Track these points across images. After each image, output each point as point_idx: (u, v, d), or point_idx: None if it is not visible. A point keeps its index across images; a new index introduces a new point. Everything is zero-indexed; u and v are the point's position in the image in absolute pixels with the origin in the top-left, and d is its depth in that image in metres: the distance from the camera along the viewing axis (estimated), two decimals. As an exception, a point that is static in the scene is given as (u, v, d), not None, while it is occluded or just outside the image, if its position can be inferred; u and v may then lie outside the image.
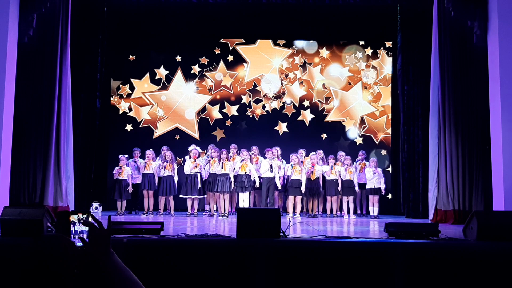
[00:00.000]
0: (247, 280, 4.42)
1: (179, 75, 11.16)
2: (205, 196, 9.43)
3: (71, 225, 1.72)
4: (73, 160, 8.57)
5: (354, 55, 11.28)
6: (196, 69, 11.18)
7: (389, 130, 11.08)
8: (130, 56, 11.13)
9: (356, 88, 11.22)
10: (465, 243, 4.96)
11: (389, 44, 11.18)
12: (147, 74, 11.11)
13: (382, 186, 9.54)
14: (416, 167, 9.51)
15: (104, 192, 10.18)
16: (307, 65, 11.27)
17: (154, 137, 10.97)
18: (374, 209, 9.45)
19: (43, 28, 8.28)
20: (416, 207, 9.40)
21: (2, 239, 4.53)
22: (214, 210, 9.30)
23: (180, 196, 9.40)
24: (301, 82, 11.26)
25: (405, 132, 9.78)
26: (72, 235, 1.71)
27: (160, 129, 11.05)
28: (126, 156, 9.60)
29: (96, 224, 1.65)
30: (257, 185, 9.22)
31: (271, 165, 9.19)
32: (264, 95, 11.20)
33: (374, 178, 9.51)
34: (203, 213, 9.50)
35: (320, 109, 11.18)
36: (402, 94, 9.91)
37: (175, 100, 11.11)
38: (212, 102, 11.17)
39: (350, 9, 10.29)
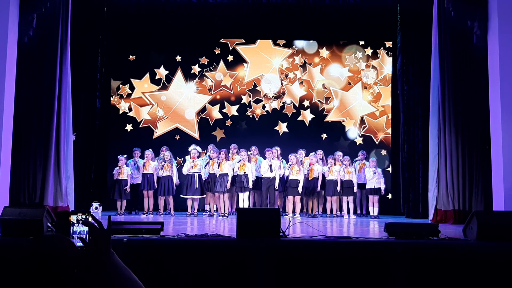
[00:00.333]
0: (247, 280, 4.42)
1: (179, 75, 11.16)
2: (204, 196, 9.44)
3: (71, 226, 1.71)
4: (73, 160, 8.57)
5: (354, 55, 11.28)
6: (196, 69, 11.18)
7: (389, 130, 11.08)
8: (130, 56, 11.13)
9: (356, 88, 11.22)
10: (465, 243, 4.96)
11: (389, 44, 11.18)
12: (147, 74, 11.11)
13: (382, 186, 9.54)
14: (416, 167, 9.51)
15: (104, 192, 10.18)
16: (307, 65, 11.27)
17: (154, 137, 10.97)
18: (374, 209, 9.45)
19: (43, 28, 8.28)
20: (416, 207, 9.40)
21: (2, 239, 4.54)
22: (214, 210, 9.30)
23: (181, 196, 9.40)
24: (301, 82, 11.26)
25: (405, 132, 9.77)
26: (71, 236, 1.71)
27: (160, 129, 11.05)
28: (125, 156, 9.60)
29: (96, 224, 1.65)
30: (251, 185, 9.15)
31: (270, 165, 9.20)
32: (264, 95, 11.20)
33: (374, 178, 9.51)
34: (203, 213, 9.50)
35: (320, 109, 11.18)
36: (402, 94, 9.91)
37: (175, 100, 11.11)
38: (212, 102, 11.16)
39: (350, 9, 10.29)
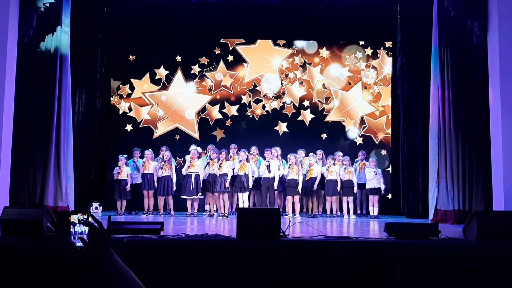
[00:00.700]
0: (247, 280, 4.42)
1: (179, 75, 11.16)
2: (201, 196, 9.44)
3: (71, 226, 1.71)
4: (73, 160, 8.57)
5: (354, 55, 11.28)
6: (196, 69, 11.18)
7: (389, 130, 11.08)
8: (130, 56, 11.13)
9: (356, 88, 11.22)
10: (465, 243, 4.96)
11: (389, 44, 11.18)
12: (147, 74, 11.11)
13: (382, 186, 9.54)
14: (416, 167, 9.50)
15: (104, 192, 10.18)
16: (307, 65, 11.27)
17: (154, 137, 10.97)
18: (374, 209, 9.45)
19: (43, 28, 8.28)
20: (416, 207, 9.40)
21: (2, 239, 4.53)
22: (214, 210, 9.30)
23: (181, 196, 9.40)
24: (301, 82, 11.26)
25: (405, 132, 9.77)
26: (72, 236, 1.70)
27: (160, 129, 11.05)
28: (125, 156, 9.60)
29: (96, 224, 1.65)
30: (251, 185, 9.16)
31: (268, 166, 9.20)
32: (264, 95, 11.20)
33: (374, 178, 9.50)
34: (203, 213, 9.50)
35: (320, 109, 11.18)
36: (402, 94, 9.91)
37: (175, 100, 11.11)
38: (212, 102, 11.17)
39: (350, 9, 10.30)
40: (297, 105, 11.20)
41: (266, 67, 11.27)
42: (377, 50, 11.26)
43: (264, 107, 11.17)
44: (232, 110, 11.15)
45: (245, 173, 9.10)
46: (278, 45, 11.33)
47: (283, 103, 11.20)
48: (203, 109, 11.15)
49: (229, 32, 11.20)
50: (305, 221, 8.02)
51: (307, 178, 9.29)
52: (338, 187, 9.38)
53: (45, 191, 8.17)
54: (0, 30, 7.61)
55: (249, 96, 11.17)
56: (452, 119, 8.40)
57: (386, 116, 11.12)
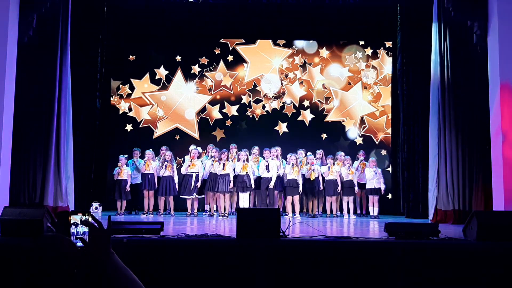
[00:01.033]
0: (247, 280, 4.42)
1: (179, 75, 11.16)
2: (202, 196, 9.45)
3: (73, 227, 1.71)
4: (73, 160, 8.57)
5: (354, 55, 11.28)
6: (196, 69, 11.18)
7: (389, 130, 11.08)
8: (130, 56, 11.12)
9: (356, 88, 11.22)
10: (465, 243, 4.96)
11: (389, 44, 11.18)
12: (147, 74, 11.11)
13: (382, 186, 9.54)
14: (416, 167, 9.50)
15: (104, 192, 10.18)
16: (307, 65, 11.27)
17: (154, 137, 10.96)
18: (374, 209, 9.45)
19: (43, 28, 8.28)
20: (416, 207, 9.40)
21: (2, 239, 4.53)
22: (214, 210, 9.31)
23: (180, 196, 9.40)
24: (301, 82, 11.26)
25: (405, 132, 9.77)
26: (74, 236, 1.70)
27: (160, 129, 11.05)
28: (126, 156, 9.60)
29: (96, 224, 1.65)
30: (253, 185, 9.19)
31: (267, 166, 9.21)
32: (264, 95, 11.20)
33: (374, 178, 9.51)
34: (203, 213, 9.50)
35: (320, 109, 11.18)
36: (402, 94, 9.91)
37: (175, 100, 11.11)
38: (212, 102, 11.16)
39: (350, 9, 10.30)
40: (297, 105, 11.20)
41: (266, 67, 11.26)
42: (377, 50, 11.26)
43: (264, 107, 11.17)
44: (232, 110, 11.14)
45: (246, 173, 9.11)
46: (278, 45, 11.33)
47: (283, 103, 11.20)
48: (203, 109, 11.15)
49: (229, 32, 11.20)
50: (305, 221, 8.02)
51: (312, 179, 9.27)
52: (339, 187, 9.39)
53: (45, 191, 8.17)
54: (0, 30, 7.61)
55: (249, 96, 11.17)
56: (452, 119, 8.40)
57: (386, 116, 11.12)
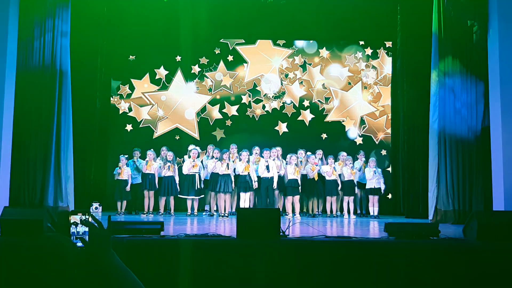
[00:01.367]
0: (247, 280, 4.42)
1: (179, 75, 11.16)
2: (202, 196, 9.45)
3: (73, 226, 1.71)
4: (73, 160, 8.57)
5: (354, 55, 11.28)
6: (196, 69, 11.18)
7: (389, 130, 11.08)
8: (130, 56, 11.12)
9: (356, 88, 11.22)
10: (465, 243, 4.96)
11: (389, 44, 11.17)
12: (147, 74, 11.11)
13: (382, 186, 9.54)
14: (416, 167, 9.51)
15: (104, 192, 10.18)
16: (307, 65, 11.27)
17: (154, 137, 10.96)
18: (374, 209, 9.45)
19: (43, 28, 8.28)
20: (416, 207, 9.40)
21: (2, 239, 4.53)
22: (214, 210, 9.31)
23: (179, 196, 9.40)
24: (301, 82, 11.26)
25: (405, 132, 9.77)
26: (74, 236, 1.70)
27: (160, 129, 11.05)
28: (126, 156, 9.60)
29: (96, 224, 1.65)
30: (255, 185, 9.21)
31: (267, 166, 9.21)
32: (264, 95, 11.20)
33: (374, 178, 9.51)
34: (203, 213, 9.51)
35: (320, 109, 11.18)
36: (402, 94, 9.91)
37: (175, 100, 11.11)
38: (212, 102, 11.16)
39: (350, 9, 10.30)
40: (297, 105, 11.20)
41: (266, 67, 11.26)
42: (377, 50, 11.25)
43: (264, 107, 11.17)
44: (232, 110, 11.14)
45: (248, 173, 9.12)
46: (278, 45, 11.33)
47: (283, 103, 11.20)
48: (203, 109, 11.14)
49: (229, 32, 11.20)
50: (305, 221, 8.02)
51: (316, 179, 9.27)
52: (339, 187, 9.40)
53: (45, 191, 8.17)
54: (0, 30, 7.61)
55: (249, 96, 11.17)
56: (452, 119, 8.40)
57: (386, 116, 11.12)
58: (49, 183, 8.18)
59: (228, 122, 11.10)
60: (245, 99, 11.17)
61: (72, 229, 1.71)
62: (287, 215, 9.03)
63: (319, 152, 9.89)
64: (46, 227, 4.65)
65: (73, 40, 8.74)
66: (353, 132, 11.13)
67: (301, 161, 9.53)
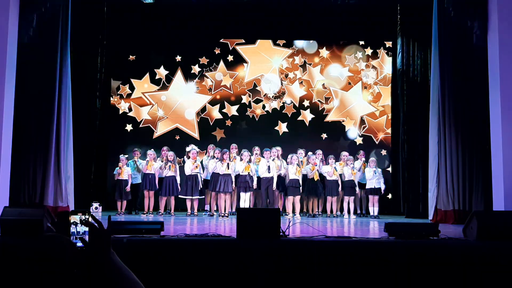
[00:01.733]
0: (247, 280, 4.41)
1: (179, 75, 11.16)
2: (202, 196, 9.45)
3: (73, 226, 1.71)
4: (73, 160, 8.57)
5: (354, 55, 11.28)
6: (196, 69, 11.18)
7: (389, 130, 11.08)
8: (130, 56, 11.12)
9: (356, 88, 11.22)
10: (465, 243, 4.95)
11: (389, 44, 11.17)
12: (147, 74, 11.11)
13: (382, 186, 9.54)
14: (416, 167, 9.51)
15: (104, 192, 10.18)
16: (307, 65, 11.27)
17: (154, 137, 10.96)
18: (374, 209, 9.45)
19: (43, 28, 8.28)
20: (416, 207, 9.40)
21: (2, 239, 4.53)
22: (214, 210, 9.31)
23: (179, 196, 9.40)
24: (301, 82, 11.26)
25: (405, 132, 9.78)
26: (74, 236, 1.70)
27: (160, 129, 11.05)
28: (126, 156, 9.60)
29: (96, 224, 1.65)
30: (255, 185, 9.22)
31: (268, 166, 9.21)
32: (264, 95, 11.20)
33: (374, 178, 9.51)
34: (203, 213, 9.51)
35: (320, 109, 11.18)
36: (402, 94, 9.91)
37: (175, 100, 11.11)
38: (212, 102, 11.16)
39: (350, 9, 10.30)
40: (297, 105, 11.20)
41: (266, 67, 11.26)
42: (377, 50, 11.26)
43: (264, 107, 11.17)
44: (232, 110, 11.14)
45: (249, 173, 9.12)
46: (278, 45, 11.33)
47: (283, 103, 11.20)
48: (203, 109, 11.14)
49: (229, 32, 11.20)
50: (305, 221, 8.02)
51: (316, 179, 9.26)
52: (340, 187, 9.40)
53: (45, 191, 8.17)
54: (0, 30, 7.61)
55: (249, 96, 11.17)
56: (452, 119, 8.40)
57: (386, 116, 11.12)
58: (49, 183, 8.18)
59: (228, 122, 11.10)
60: (245, 99, 11.17)
61: (72, 229, 1.71)
62: (287, 215, 9.03)
63: (319, 152, 9.88)
64: (46, 227, 4.65)
65: (73, 40, 8.74)
66: (353, 132, 11.13)
67: (301, 161, 9.53)
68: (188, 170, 9.35)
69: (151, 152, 9.53)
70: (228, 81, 11.19)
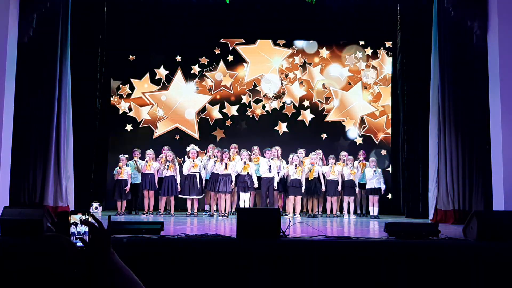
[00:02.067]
0: (247, 280, 4.42)
1: (179, 75, 11.16)
2: (202, 196, 9.45)
3: (73, 226, 1.71)
4: (73, 160, 8.57)
5: (354, 55, 11.28)
6: (196, 69, 11.18)
7: (389, 130, 11.08)
8: (130, 56, 11.12)
9: (356, 88, 11.22)
10: (465, 243, 4.96)
11: (389, 44, 11.17)
12: (147, 74, 11.11)
13: (382, 186, 9.54)
14: (416, 167, 9.50)
15: (104, 192, 10.18)
16: (307, 65, 11.27)
17: (154, 137, 10.96)
18: (374, 209, 9.45)
19: (43, 28, 8.27)
20: (416, 207, 9.40)
21: (2, 239, 4.53)
22: (214, 210, 9.31)
23: (179, 196, 9.40)
24: (301, 82, 11.26)
25: (405, 132, 9.78)
26: (74, 236, 1.70)
27: (160, 129, 11.05)
28: (126, 156, 9.60)
29: (96, 224, 1.65)
30: (256, 185, 9.23)
31: (270, 166, 9.21)
32: (264, 95, 11.20)
33: (374, 178, 9.51)
34: (203, 213, 9.51)
35: (320, 109, 11.18)
36: (402, 94, 9.91)
37: (175, 100, 11.11)
38: (212, 102, 11.16)
39: (350, 9, 10.30)
40: (297, 105, 11.20)
41: (266, 67, 11.26)
42: (377, 50, 11.25)
43: (264, 107, 11.17)
44: (232, 110, 11.14)
45: (248, 173, 9.12)
46: (278, 45, 11.33)
47: (283, 103, 11.20)
48: (203, 109, 11.14)
49: (229, 32, 11.19)
50: (305, 221, 8.02)
51: (310, 179, 9.27)
52: (339, 187, 9.40)
53: (45, 191, 8.17)
54: (0, 30, 7.61)
55: (249, 96, 11.17)
56: (452, 119, 8.40)
57: (386, 116, 11.12)
58: (49, 183, 8.18)
59: (228, 122, 11.10)
60: (245, 99, 11.17)
61: (72, 229, 1.71)
62: (287, 215, 9.03)
63: (319, 152, 9.88)
64: (46, 227, 4.65)
65: (73, 40, 8.73)
66: (353, 132, 11.13)
67: (301, 160, 9.53)
68: (185, 170, 9.35)
69: (150, 152, 9.53)
70: (228, 81, 11.19)
